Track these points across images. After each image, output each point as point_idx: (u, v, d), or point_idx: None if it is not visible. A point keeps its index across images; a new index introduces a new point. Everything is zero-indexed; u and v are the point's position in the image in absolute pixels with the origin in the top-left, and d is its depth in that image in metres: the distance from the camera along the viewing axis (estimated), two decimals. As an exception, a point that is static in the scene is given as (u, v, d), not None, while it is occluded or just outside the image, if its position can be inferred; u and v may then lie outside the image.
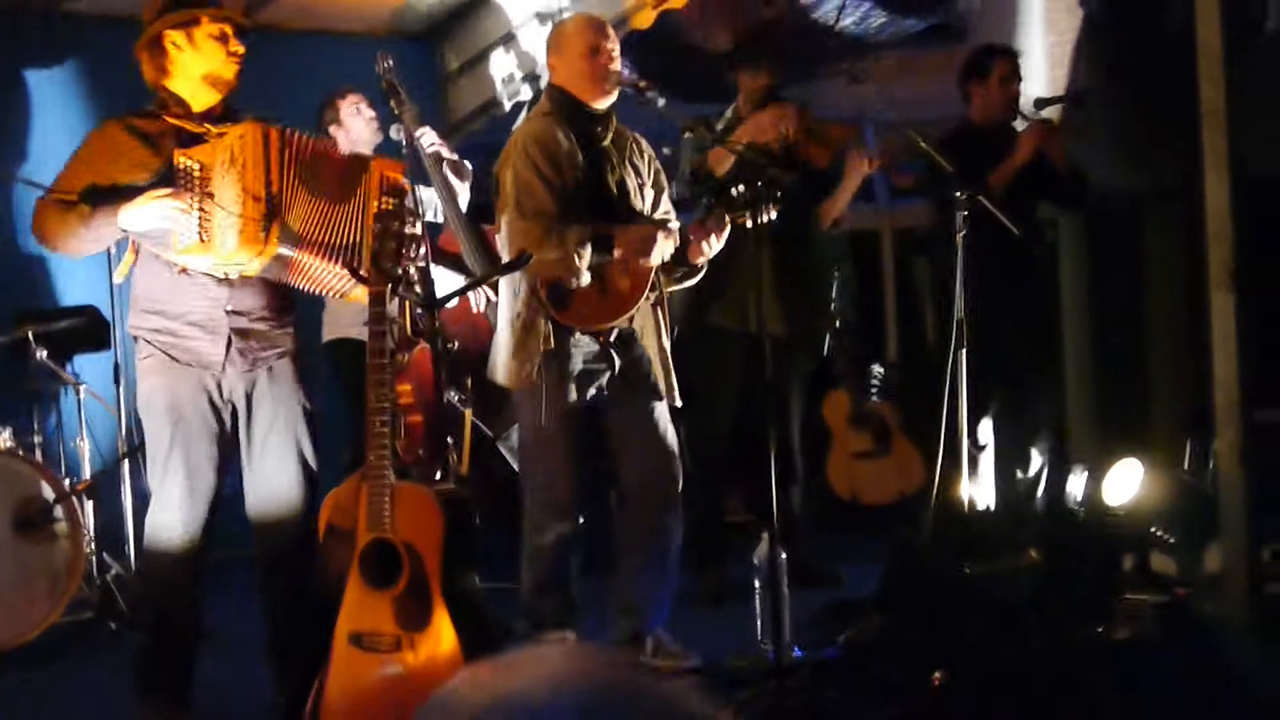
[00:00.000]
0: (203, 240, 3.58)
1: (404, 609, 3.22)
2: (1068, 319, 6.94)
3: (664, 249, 4.04)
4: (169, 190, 3.59)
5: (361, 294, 3.67)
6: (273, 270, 3.74)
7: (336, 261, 3.69)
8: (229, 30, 3.80)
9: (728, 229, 4.08)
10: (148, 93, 3.85)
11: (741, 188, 4.11)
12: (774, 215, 4.01)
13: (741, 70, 5.40)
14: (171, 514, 3.74)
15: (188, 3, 3.75)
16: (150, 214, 3.60)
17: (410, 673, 3.20)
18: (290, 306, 3.95)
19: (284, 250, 3.62)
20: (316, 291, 3.87)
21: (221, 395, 3.80)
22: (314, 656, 3.30)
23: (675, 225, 4.17)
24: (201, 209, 3.57)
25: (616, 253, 4.00)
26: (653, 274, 4.07)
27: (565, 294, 3.97)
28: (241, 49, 3.81)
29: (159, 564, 3.79)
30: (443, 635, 3.19)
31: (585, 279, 3.93)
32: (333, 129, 5.31)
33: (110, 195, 3.66)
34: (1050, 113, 5.92)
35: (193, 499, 3.73)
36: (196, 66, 3.78)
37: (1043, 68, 7.24)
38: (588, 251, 3.94)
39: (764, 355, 4.49)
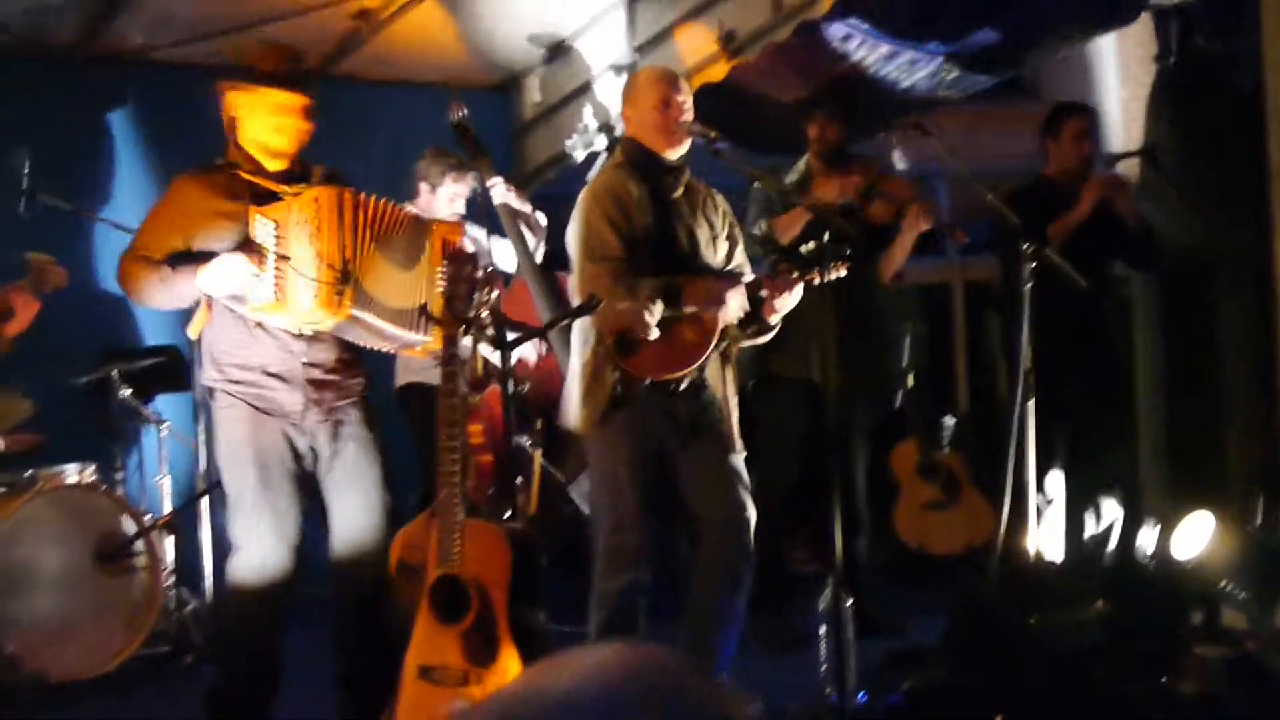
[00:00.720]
0: (278, 300, 3.71)
1: (472, 644, 3.29)
2: (1141, 374, 6.90)
3: (734, 304, 4.08)
4: (243, 254, 3.71)
5: (423, 350, 3.83)
6: (344, 329, 3.87)
7: (403, 324, 3.83)
8: (288, 100, 3.91)
9: (799, 286, 4.11)
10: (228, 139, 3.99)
11: (810, 245, 4.17)
12: (843, 273, 4.07)
13: (812, 123, 5.47)
14: (258, 557, 3.86)
15: (256, 75, 3.88)
16: (227, 277, 3.73)
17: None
18: (360, 358, 4.09)
19: (357, 313, 3.74)
20: (381, 349, 4.01)
21: (301, 442, 3.92)
22: (384, 689, 3.37)
23: (749, 278, 4.21)
24: (276, 269, 3.69)
25: (687, 307, 4.06)
26: (719, 327, 4.11)
27: (632, 343, 4.02)
28: (305, 124, 3.93)
29: (243, 605, 3.89)
30: (509, 670, 3.26)
31: (654, 332, 3.98)
32: (423, 186, 5.43)
33: (190, 258, 3.79)
34: (1124, 168, 5.94)
35: (278, 542, 3.85)
36: (254, 128, 3.92)
37: (1118, 123, 7.25)
38: (658, 304, 3.98)
39: (825, 404, 4.53)
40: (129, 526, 5.23)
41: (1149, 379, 6.63)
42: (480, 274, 3.47)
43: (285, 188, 3.85)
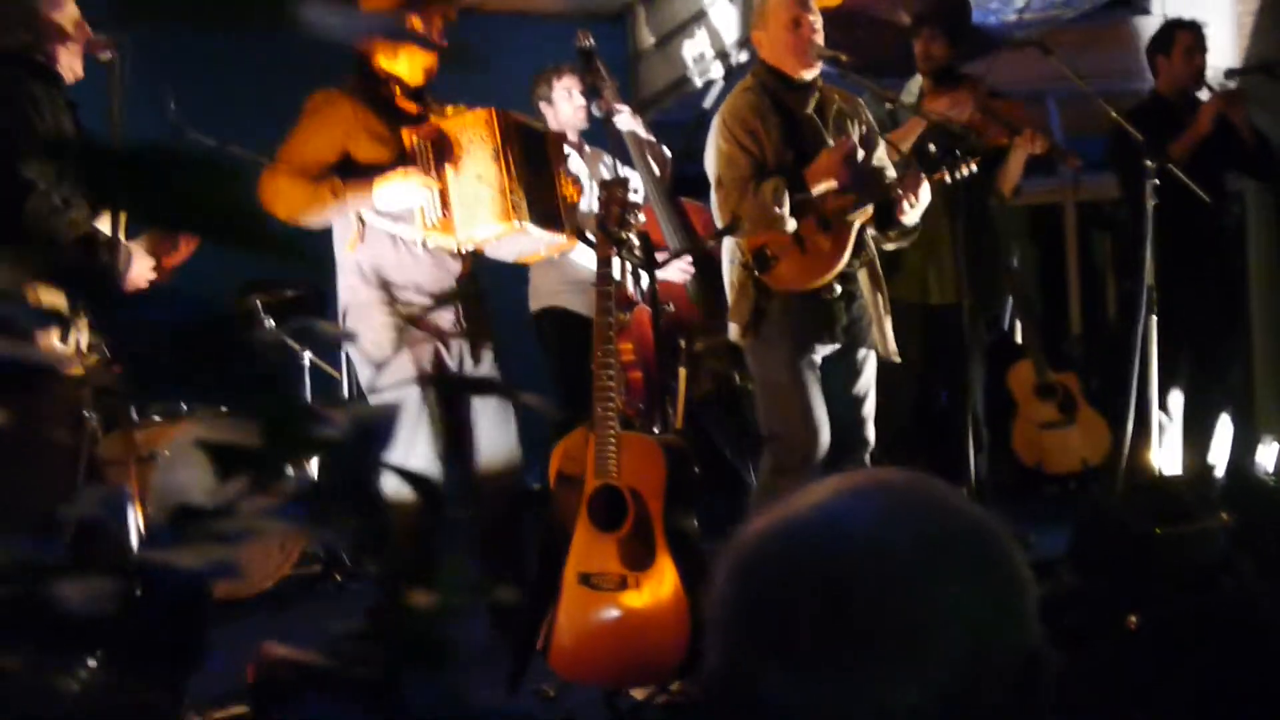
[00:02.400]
0: (445, 218, 3.87)
1: (629, 550, 3.46)
2: (1256, 291, 6.90)
3: (852, 163, 4.13)
4: (414, 168, 3.87)
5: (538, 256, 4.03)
6: (503, 242, 4.04)
7: (552, 228, 3.99)
8: (435, 23, 4.05)
9: (926, 185, 4.20)
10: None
11: (933, 147, 4.25)
12: (974, 169, 4.14)
13: (919, 40, 5.48)
14: (426, 466, 4.01)
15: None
16: (403, 192, 3.88)
17: (635, 609, 3.44)
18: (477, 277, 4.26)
19: (527, 224, 3.90)
20: (514, 259, 4.17)
21: (449, 359, 4.11)
22: (545, 595, 3.56)
23: (891, 174, 4.30)
24: (442, 187, 3.86)
25: (815, 188, 4.11)
26: (855, 233, 4.19)
27: (767, 258, 4.14)
28: (429, 59, 4.07)
29: (410, 518, 4.06)
30: (665, 574, 3.43)
31: (791, 224, 4.07)
32: (542, 105, 5.53)
33: (354, 171, 3.94)
34: (1240, 83, 5.93)
35: (434, 454, 4.03)
36: (390, 63, 4.06)
37: (1231, 39, 7.19)
38: (785, 197, 4.07)
39: (943, 325, 4.62)
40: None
41: (1264, 297, 6.64)
42: (631, 197, 3.62)
43: (435, 107, 4.01)
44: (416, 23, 4.02)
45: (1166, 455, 5.46)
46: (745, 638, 1.00)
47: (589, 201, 4.22)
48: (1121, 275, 6.23)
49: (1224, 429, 5.68)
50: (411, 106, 4.07)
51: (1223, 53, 6.73)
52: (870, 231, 4.30)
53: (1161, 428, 5.30)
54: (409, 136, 3.93)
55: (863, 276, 4.29)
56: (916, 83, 5.52)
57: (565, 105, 5.46)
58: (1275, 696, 2.92)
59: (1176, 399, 5.62)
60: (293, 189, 3.94)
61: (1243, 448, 5.66)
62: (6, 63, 3.68)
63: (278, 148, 4.07)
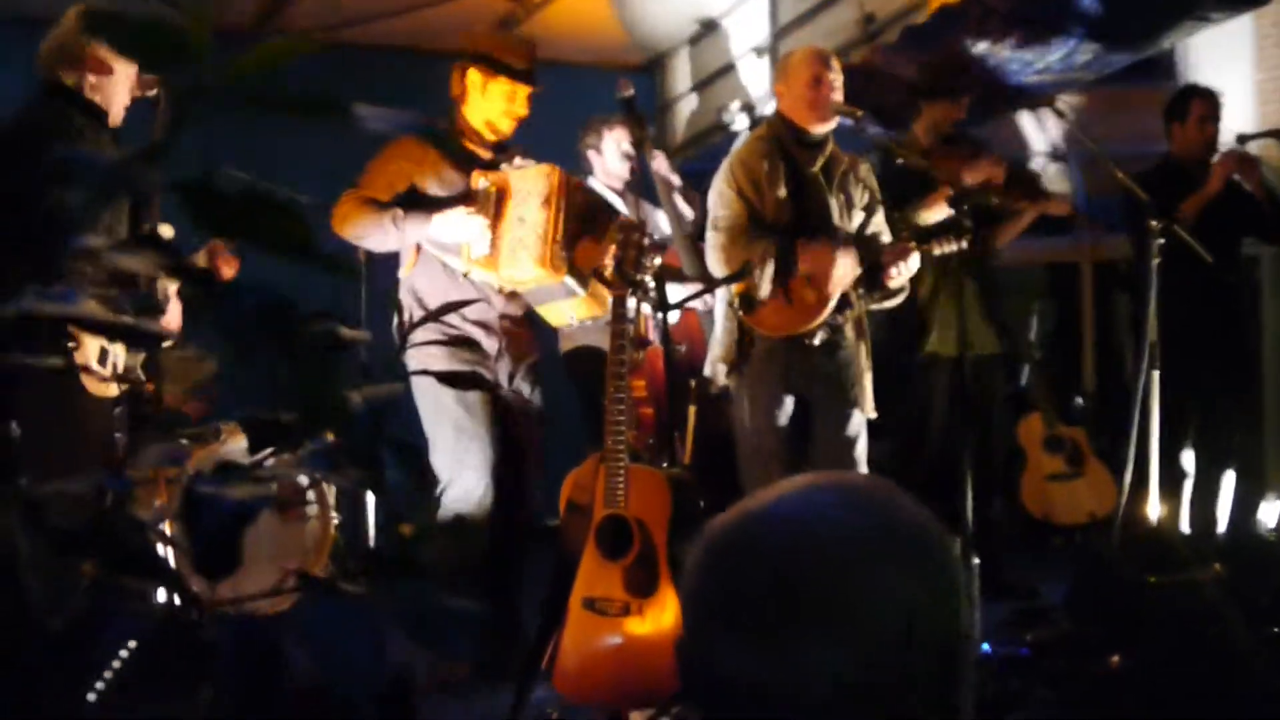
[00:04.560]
0: (492, 255, 4.13)
1: (634, 578, 3.61)
2: (1269, 352, 7.00)
3: (844, 266, 4.32)
4: (474, 207, 4.15)
5: (574, 321, 4.31)
6: (540, 291, 4.28)
7: (584, 287, 4.25)
8: (520, 91, 4.38)
9: (915, 255, 4.37)
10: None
11: (936, 216, 4.44)
12: (963, 246, 4.32)
13: (932, 102, 5.64)
14: (479, 480, 4.28)
15: (498, 67, 4.35)
16: (457, 226, 4.16)
17: (638, 635, 3.59)
18: (529, 318, 4.50)
19: (568, 279, 4.12)
20: (544, 312, 4.42)
21: (496, 386, 4.36)
22: (553, 618, 3.71)
23: (887, 239, 4.48)
24: (496, 229, 4.13)
25: (801, 266, 4.32)
26: (839, 290, 4.36)
27: (754, 303, 4.34)
28: (524, 112, 4.38)
29: (474, 526, 4.29)
30: (668, 602, 3.58)
31: (765, 289, 4.28)
32: (591, 153, 5.72)
33: (419, 203, 4.22)
34: (1255, 148, 6.06)
35: (484, 472, 4.28)
36: (483, 108, 4.38)
37: (1251, 103, 7.33)
38: (770, 265, 4.27)
39: (969, 376, 4.78)
40: (303, 478, 5.63)
41: (1275, 357, 6.75)
42: (648, 241, 3.80)
43: (502, 157, 4.27)
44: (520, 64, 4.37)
45: (1178, 512, 5.58)
46: (705, 613, 1.15)
47: None
48: (1136, 334, 6.35)
49: (1228, 485, 5.79)
50: (485, 154, 4.35)
51: (1242, 117, 6.88)
52: (859, 290, 4.46)
53: (1173, 484, 5.43)
54: (476, 178, 4.22)
55: (849, 331, 4.46)
56: (912, 140, 5.63)
57: (613, 155, 5.64)
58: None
59: (1189, 457, 5.74)
60: (359, 212, 4.29)
61: (1246, 504, 5.76)
62: (55, 95, 3.90)
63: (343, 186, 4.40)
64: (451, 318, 4.31)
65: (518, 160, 4.40)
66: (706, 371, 4.56)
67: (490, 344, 4.39)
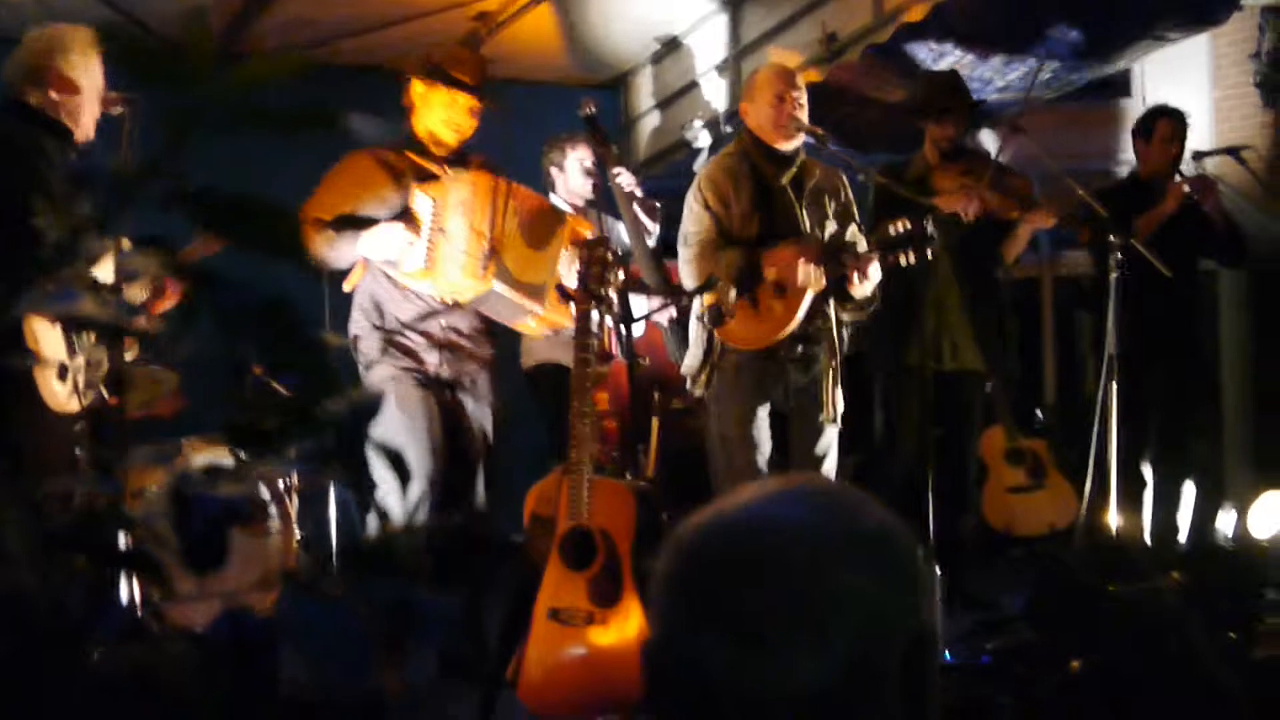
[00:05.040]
0: (428, 267, 4.16)
1: (598, 588, 3.63)
2: (1226, 366, 7.10)
3: (808, 270, 4.34)
4: (402, 224, 4.19)
5: (537, 330, 4.29)
6: (481, 300, 4.31)
7: (532, 298, 4.26)
8: (459, 100, 4.42)
9: (875, 264, 4.40)
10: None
11: (899, 227, 4.48)
12: (927, 256, 4.35)
13: (929, 122, 5.69)
14: (415, 486, 4.27)
15: (437, 74, 4.39)
16: (385, 242, 4.19)
17: (602, 645, 3.61)
18: (488, 330, 4.52)
19: (497, 286, 4.16)
20: (506, 322, 4.44)
21: (437, 396, 4.37)
22: (516, 628, 3.72)
23: (861, 249, 4.50)
24: (430, 240, 4.15)
25: (767, 273, 4.37)
26: (807, 299, 4.39)
27: (722, 314, 4.38)
28: (464, 121, 4.40)
29: (409, 531, 4.31)
30: (632, 612, 3.60)
31: (731, 297, 4.32)
32: (553, 170, 5.75)
33: (353, 223, 4.24)
34: (1211, 165, 6.15)
35: (426, 476, 4.27)
36: (426, 118, 4.42)
37: (1208, 121, 7.43)
38: (735, 273, 4.32)
39: (947, 391, 4.83)
40: (265, 493, 5.63)
41: (1235, 371, 6.84)
42: (611, 255, 3.83)
43: (446, 169, 4.30)
44: (464, 76, 4.40)
45: (1137, 523, 5.64)
46: (680, 611, 1.17)
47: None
48: (1096, 348, 6.42)
49: (1187, 495, 5.85)
50: (434, 167, 4.35)
51: (1199, 135, 6.98)
52: (827, 301, 4.50)
53: (1133, 495, 5.49)
54: (416, 192, 4.25)
55: (820, 342, 4.51)
56: (920, 158, 5.70)
57: (576, 174, 5.66)
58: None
59: (1147, 469, 5.81)
60: (306, 234, 4.31)
61: (1205, 513, 5.83)
62: (19, 115, 3.93)
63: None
64: (394, 327, 4.38)
65: (449, 171, 4.41)
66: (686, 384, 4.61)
67: (430, 356, 4.42)
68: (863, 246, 4.58)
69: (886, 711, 1.14)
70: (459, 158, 4.46)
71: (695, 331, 4.53)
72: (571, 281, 4.44)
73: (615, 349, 4.83)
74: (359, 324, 4.46)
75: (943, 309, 5.08)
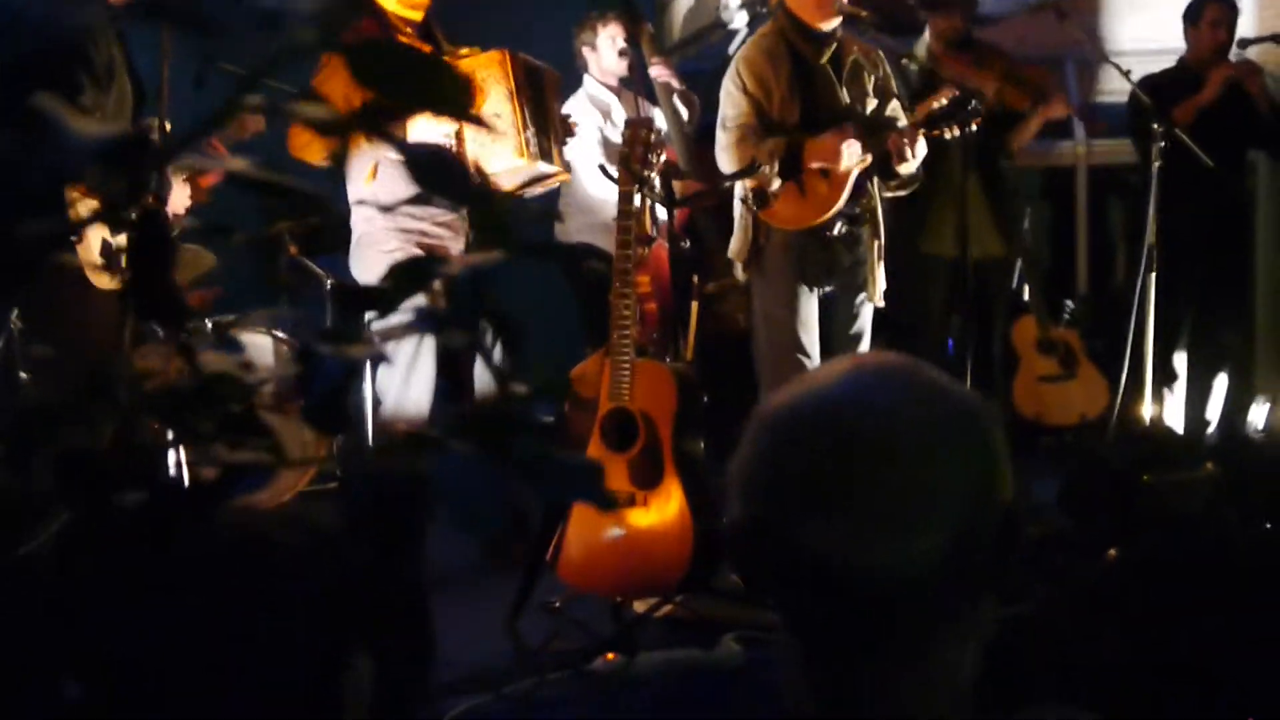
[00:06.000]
0: (459, 150, 4.06)
1: (639, 469, 3.66)
2: (1261, 258, 7.04)
3: (849, 153, 4.31)
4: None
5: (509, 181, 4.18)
6: (514, 174, 4.22)
7: (550, 161, 4.19)
8: None
9: (921, 139, 4.37)
10: None
11: (943, 99, 4.44)
12: (973, 129, 4.32)
13: (934, 12, 5.61)
14: (425, 394, 4.21)
15: None
16: (426, 129, 4.07)
17: (642, 526, 3.65)
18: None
19: (539, 162, 4.09)
20: (523, 190, 4.36)
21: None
22: (557, 510, 3.75)
23: (902, 123, 4.47)
24: (460, 126, 4.05)
25: (812, 164, 4.33)
26: (853, 179, 4.37)
27: (766, 196, 4.35)
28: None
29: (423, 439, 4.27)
30: (672, 494, 3.63)
31: (775, 185, 4.29)
32: (586, 50, 5.66)
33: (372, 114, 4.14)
34: (1255, 53, 6.05)
35: (430, 387, 4.22)
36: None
37: (1253, 8, 7.29)
38: (777, 162, 4.27)
39: (967, 278, 4.81)
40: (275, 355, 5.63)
41: (1269, 263, 6.79)
42: (654, 137, 3.80)
43: (449, 48, 4.20)
44: None
45: (1169, 414, 5.64)
46: (782, 494, 1.17)
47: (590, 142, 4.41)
48: (1131, 239, 6.39)
49: (1220, 386, 5.85)
50: (424, 46, 4.22)
51: (1245, 23, 6.85)
52: (871, 179, 4.47)
53: (1165, 386, 5.49)
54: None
55: (866, 222, 4.48)
56: (923, 44, 5.62)
57: (609, 52, 5.58)
58: (1237, 630, 3.10)
59: (1180, 358, 5.80)
60: (318, 142, 4.13)
61: (1237, 405, 5.83)
62: None
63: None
64: (420, 223, 4.24)
65: (464, 51, 4.27)
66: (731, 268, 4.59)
67: (456, 245, 4.28)
68: (903, 122, 4.54)
69: (983, 582, 1.17)
70: (429, 34, 4.30)
71: (737, 214, 4.49)
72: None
73: (654, 231, 4.79)
74: (373, 222, 4.32)
75: (961, 196, 5.04)
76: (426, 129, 4.06)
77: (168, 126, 4.56)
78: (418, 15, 4.29)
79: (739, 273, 4.48)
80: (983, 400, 1.22)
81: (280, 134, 4.25)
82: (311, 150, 4.16)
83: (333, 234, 6.18)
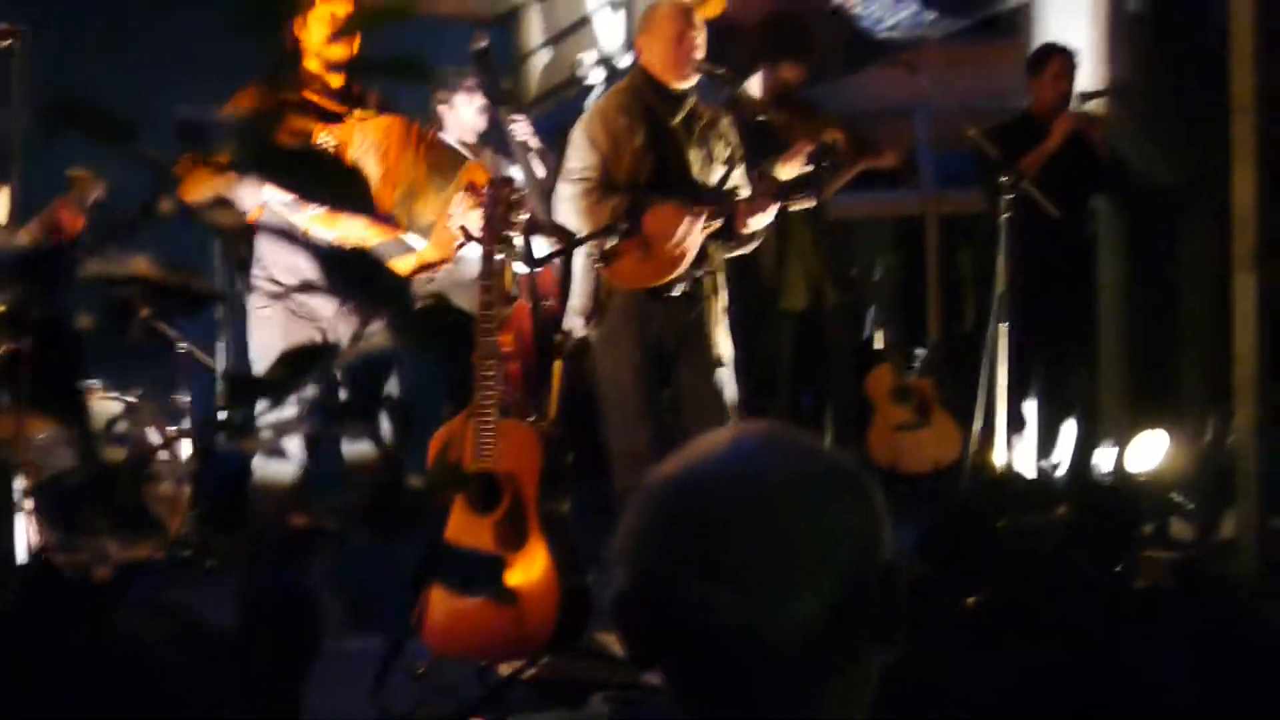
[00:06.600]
0: (329, 212, 4.04)
1: (504, 532, 3.63)
2: (1105, 303, 7.25)
3: (691, 230, 4.38)
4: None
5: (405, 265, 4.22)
6: (387, 246, 4.22)
7: (429, 238, 4.19)
8: (337, 13, 4.21)
9: (772, 208, 4.46)
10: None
11: (798, 169, 4.54)
12: (802, 206, 4.44)
13: (773, 63, 5.65)
14: (289, 455, 4.15)
15: None
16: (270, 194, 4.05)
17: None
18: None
19: (408, 236, 4.08)
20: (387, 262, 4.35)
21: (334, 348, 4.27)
22: (423, 574, 3.70)
23: (745, 194, 4.54)
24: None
25: (645, 226, 4.36)
26: (697, 244, 4.42)
27: (611, 254, 4.38)
28: (346, 38, 4.24)
29: (274, 500, 4.18)
30: (537, 555, 3.61)
31: (612, 242, 4.32)
32: (442, 108, 5.66)
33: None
34: (1097, 105, 6.26)
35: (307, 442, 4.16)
36: (313, 43, 4.23)
37: (1094, 63, 7.54)
38: (620, 221, 4.31)
39: (813, 329, 4.89)
40: (155, 437, 5.51)
41: (1113, 307, 7.01)
42: (516, 197, 3.80)
43: (352, 110, 4.18)
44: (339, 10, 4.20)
45: (1021, 460, 5.78)
46: (665, 565, 1.19)
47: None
48: (980, 286, 6.55)
49: (1069, 432, 6.01)
50: (336, 107, 4.22)
51: (1086, 76, 7.08)
52: (716, 242, 4.53)
53: (1015, 432, 5.63)
54: (321, 134, 4.11)
55: (707, 282, 4.53)
56: (754, 86, 5.68)
57: (466, 109, 5.59)
58: (1091, 674, 3.19)
59: (1030, 404, 5.95)
60: (200, 180, 4.09)
61: (1085, 449, 5.99)
62: None
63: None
64: (290, 277, 4.20)
65: (356, 113, 4.28)
66: (565, 323, 4.59)
67: (326, 307, 4.22)
68: (746, 191, 4.61)
69: (868, 639, 1.20)
70: (358, 96, 4.32)
71: (580, 270, 4.51)
72: (460, 221, 4.38)
73: (516, 290, 4.80)
74: (255, 275, 4.29)
75: (802, 251, 5.15)
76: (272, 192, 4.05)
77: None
78: (338, 81, 4.27)
79: (579, 328, 4.48)
80: (856, 462, 1.25)
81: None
82: (191, 191, 4.10)
83: (192, 305, 6.07)
